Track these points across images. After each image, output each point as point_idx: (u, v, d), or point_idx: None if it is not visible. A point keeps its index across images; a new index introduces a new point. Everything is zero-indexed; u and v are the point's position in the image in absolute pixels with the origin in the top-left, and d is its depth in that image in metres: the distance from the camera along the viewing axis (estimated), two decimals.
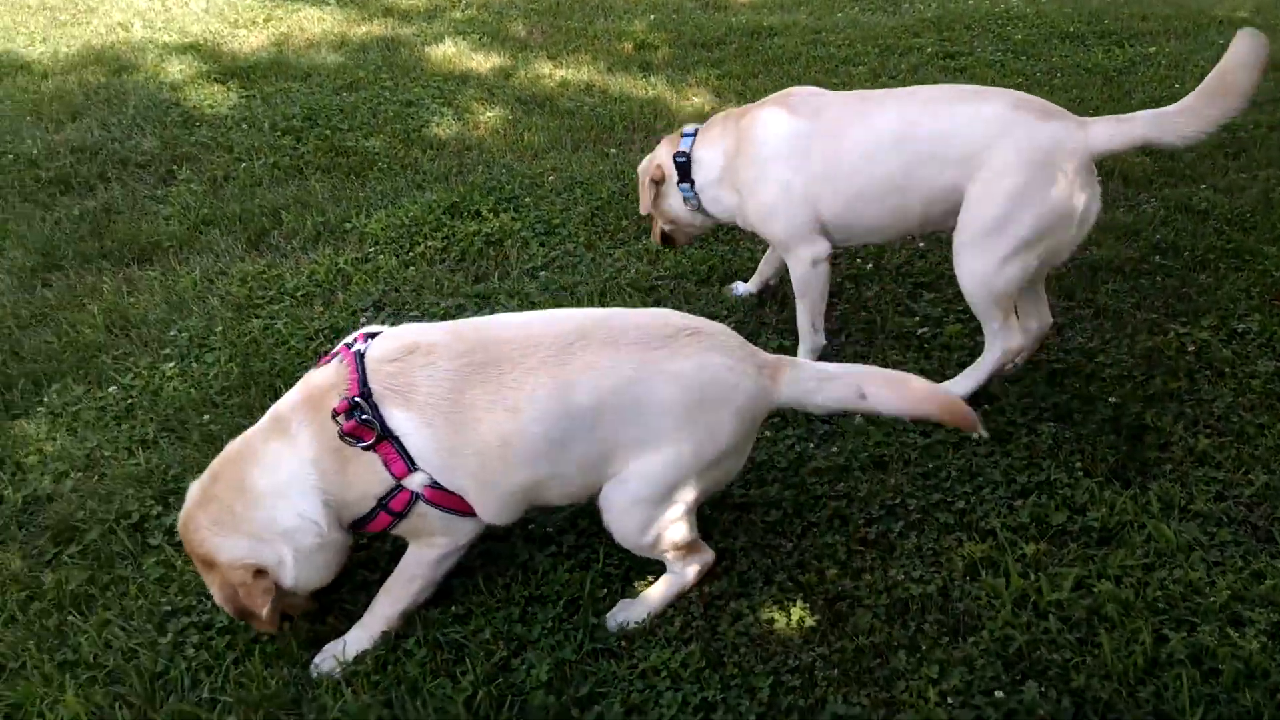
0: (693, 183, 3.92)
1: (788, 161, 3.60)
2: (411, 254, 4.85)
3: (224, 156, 6.00)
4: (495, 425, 2.54)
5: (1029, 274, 3.37)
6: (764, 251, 4.37)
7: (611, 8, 9.11)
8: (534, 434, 2.55)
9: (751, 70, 7.29)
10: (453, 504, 2.62)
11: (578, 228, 5.00)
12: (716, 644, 2.70)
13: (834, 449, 3.37)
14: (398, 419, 2.53)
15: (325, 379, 2.61)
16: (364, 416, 2.50)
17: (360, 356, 2.61)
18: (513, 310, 4.17)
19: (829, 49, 7.79)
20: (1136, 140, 3.18)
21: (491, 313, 4.19)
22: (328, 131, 6.25)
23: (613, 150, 5.95)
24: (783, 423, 3.53)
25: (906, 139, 3.40)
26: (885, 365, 3.71)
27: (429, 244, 4.90)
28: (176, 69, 7.45)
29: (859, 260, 4.51)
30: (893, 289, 4.31)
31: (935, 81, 6.79)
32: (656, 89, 6.99)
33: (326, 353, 2.77)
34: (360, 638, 2.75)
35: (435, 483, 2.58)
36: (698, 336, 2.65)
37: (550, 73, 7.38)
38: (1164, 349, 3.76)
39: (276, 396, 3.73)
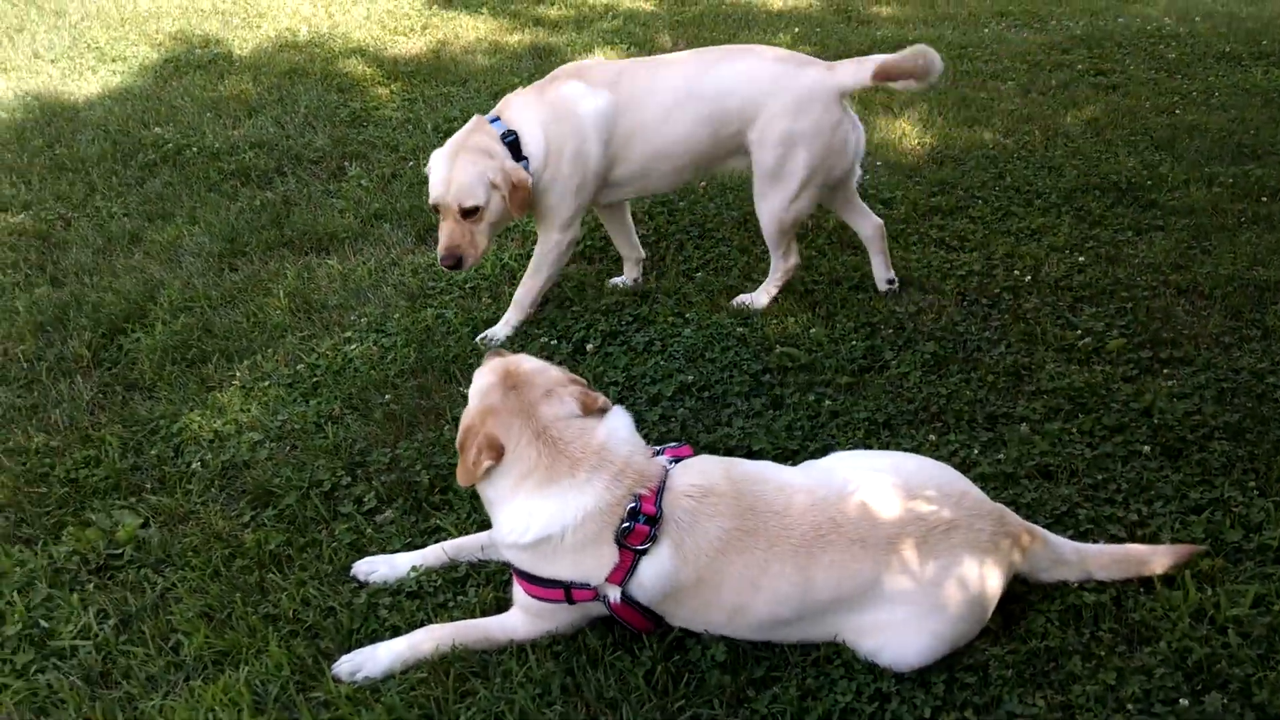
0: (526, 161, 4.02)
1: (600, 133, 4.00)
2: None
3: (390, 155, 6.30)
4: (735, 592, 2.64)
5: (815, 204, 4.21)
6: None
7: (755, 20, 9.21)
8: (764, 610, 2.65)
9: None
10: (629, 617, 2.72)
11: (731, 232, 5.10)
12: None
13: (999, 456, 3.39)
14: (661, 550, 2.63)
15: (636, 464, 2.70)
16: (652, 532, 2.62)
17: (666, 473, 2.72)
18: (668, 308, 4.31)
19: (975, 64, 7.75)
20: (866, 83, 3.97)
21: (648, 308, 4.36)
22: None
23: None
24: (945, 428, 3.57)
25: (693, 98, 3.98)
26: (1044, 377, 3.74)
27: (588, 243, 5.06)
28: (343, 72, 7.82)
29: (1016, 272, 4.51)
30: (1052, 301, 4.30)
31: (1088, 100, 6.72)
32: None
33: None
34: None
35: (632, 600, 2.67)
36: (952, 532, 2.64)
37: None
38: None
39: (450, 381, 3.97)
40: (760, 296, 4.40)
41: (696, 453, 3.18)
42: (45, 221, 5.71)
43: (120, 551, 3.32)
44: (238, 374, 4.22)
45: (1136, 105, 6.65)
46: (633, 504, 2.63)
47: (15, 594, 3.16)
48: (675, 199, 5.45)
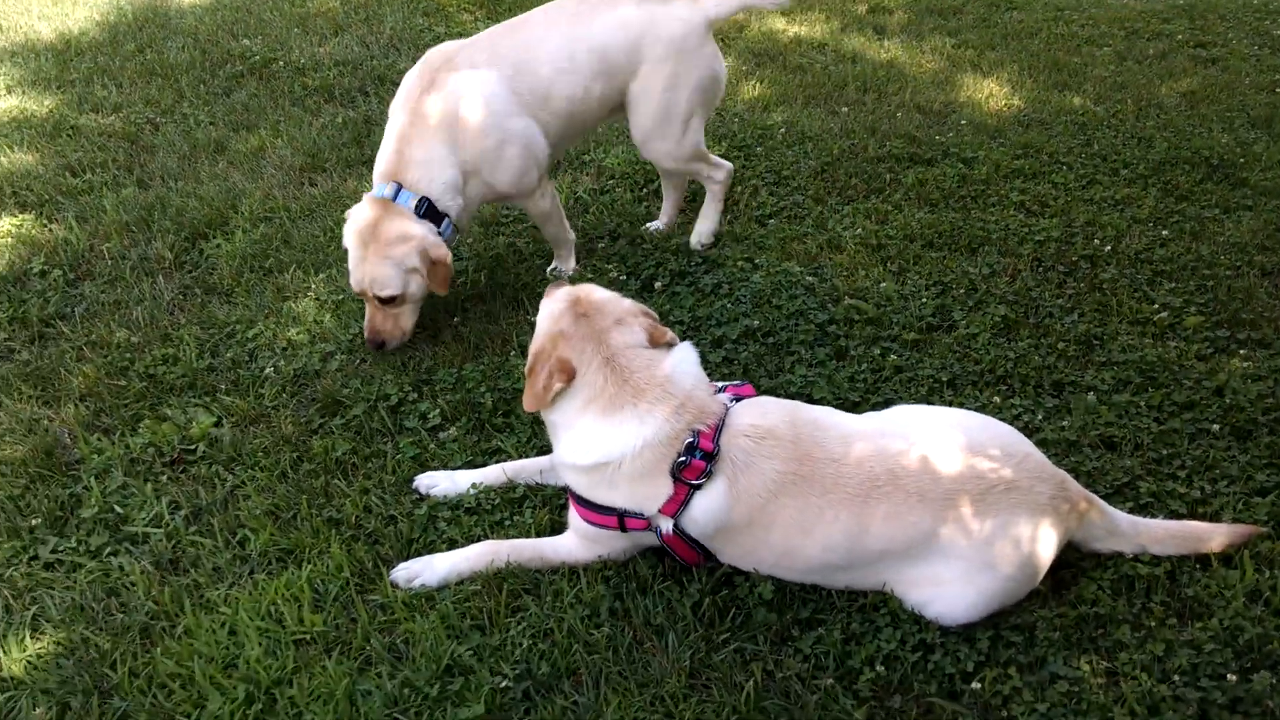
0: (445, 218, 3.79)
1: (518, 114, 3.83)
2: (645, 190, 5.02)
3: None
4: (785, 535, 2.67)
5: (705, 125, 4.25)
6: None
7: None
8: (814, 555, 2.68)
9: (989, 41, 7.13)
10: (679, 549, 2.76)
11: (807, 180, 5.06)
12: None
13: (1063, 423, 3.36)
14: (715, 486, 2.66)
15: (698, 399, 2.73)
16: (708, 468, 2.65)
17: (726, 410, 2.74)
18: (738, 253, 4.31)
19: (1071, 27, 7.52)
20: (738, 6, 4.11)
21: (718, 251, 4.35)
22: None
23: (844, 109, 5.95)
24: (1010, 391, 3.54)
25: (577, 58, 3.90)
26: (1116, 348, 3.69)
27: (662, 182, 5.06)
28: None
29: (1096, 241, 4.42)
30: (1131, 273, 4.21)
31: (1185, 71, 6.50)
32: (890, 52, 6.93)
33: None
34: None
35: (683, 533, 2.71)
36: (1011, 492, 2.62)
37: (783, 29, 7.39)
38: None
39: (518, 309, 4.02)
40: (705, 224, 4.48)
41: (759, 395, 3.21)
42: (134, 125, 5.83)
43: (194, 447, 3.44)
44: (313, 286, 4.31)
45: (1235, 81, 6.42)
46: (691, 439, 2.66)
47: (92, 480, 3.30)
48: (753, 145, 5.41)
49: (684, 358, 2.81)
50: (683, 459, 2.65)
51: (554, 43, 3.89)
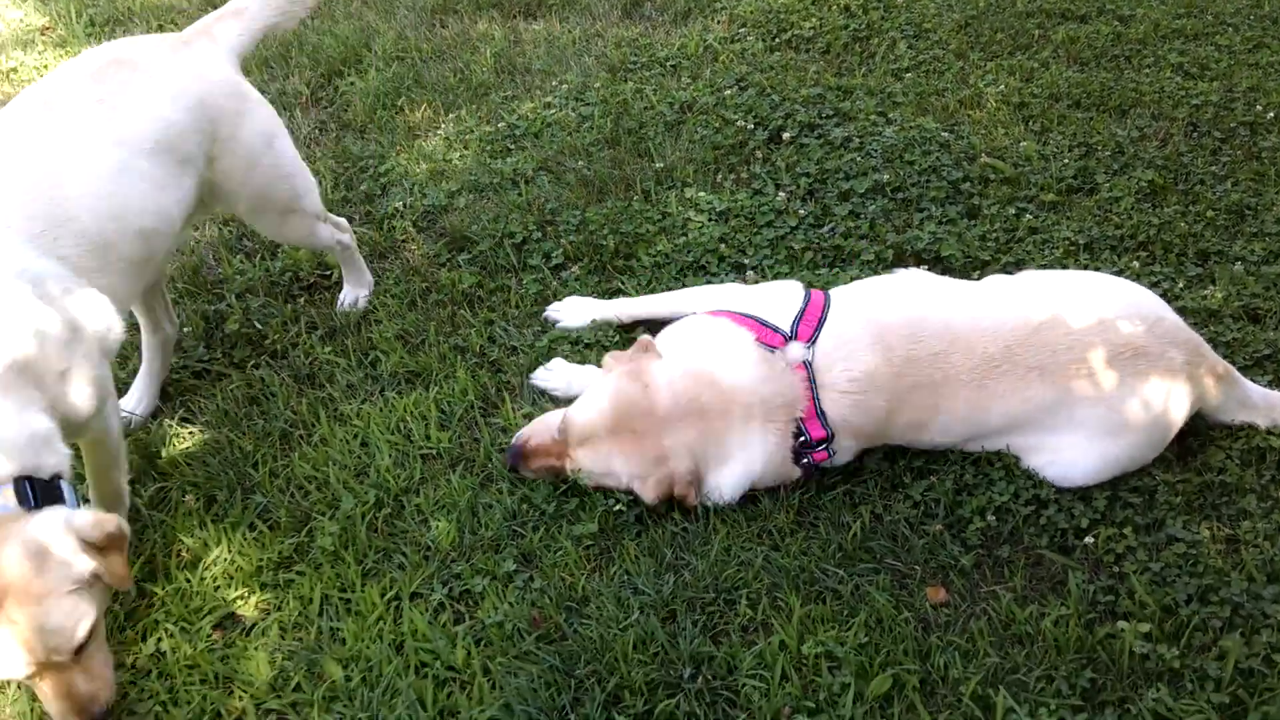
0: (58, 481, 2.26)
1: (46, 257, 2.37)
2: (778, 39, 4.87)
3: None
4: (903, 432, 2.68)
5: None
6: None
7: None
8: (931, 439, 2.69)
9: None
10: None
11: (949, 34, 4.83)
12: None
13: (1205, 292, 3.21)
14: (843, 444, 2.64)
15: (772, 391, 2.59)
16: (829, 444, 2.62)
17: (812, 382, 2.60)
18: (871, 106, 4.17)
19: None
20: (258, 32, 3.04)
21: (850, 104, 4.22)
22: None
23: None
24: (1151, 258, 3.40)
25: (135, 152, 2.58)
26: (1270, 219, 3.50)
27: (796, 31, 4.90)
28: None
29: (1258, 108, 4.12)
30: None
31: None
32: None
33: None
34: None
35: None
36: (1141, 356, 2.54)
37: None
38: None
39: (641, 156, 4.00)
40: (359, 289, 3.47)
41: (878, 257, 3.18)
42: None
43: (329, 273, 3.57)
44: (443, 126, 4.36)
45: None
46: (798, 434, 2.60)
47: (234, 298, 3.47)
48: None
49: (723, 363, 2.64)
50: (806, 460, 2.63)
51: (92, 139, 2.53)
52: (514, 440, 2.74)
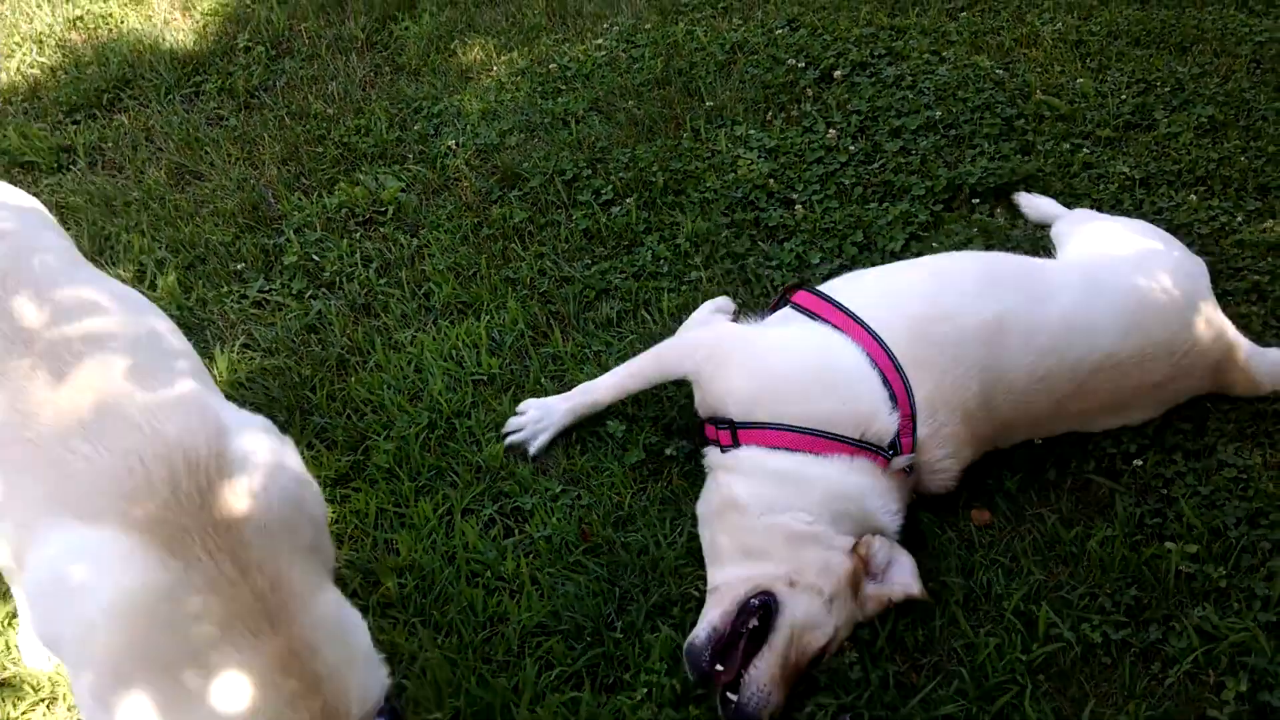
0: None
1: None
2: None
3: None
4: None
5: None
6: None
7: None
8: None
9: None
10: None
11: None
12: None
13: (1264, 225, 3.16)
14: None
15: (875, 422, 2.35)
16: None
17: (913, 416, 2.38)
18: (924, 45, 4.13)
19: None
20: None
21: (904, 43, 4.18)
22: None
23: None
24: (1209, 192, 3.35)
25: None
26: None
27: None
28: None
29: None
30: None
31: None
32: None
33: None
34: None
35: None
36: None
37: None
38: None
39: (691, 96, 4.00)
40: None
41: (929, 191, 3.15)
42: None
43: (384, 209, 3.63)
44: (494, 68, 4.39)
45: None
46: (894, 459, 2.36)
47: (292, 233, 3.55)
48: None
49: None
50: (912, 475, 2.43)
51: None
52: None
